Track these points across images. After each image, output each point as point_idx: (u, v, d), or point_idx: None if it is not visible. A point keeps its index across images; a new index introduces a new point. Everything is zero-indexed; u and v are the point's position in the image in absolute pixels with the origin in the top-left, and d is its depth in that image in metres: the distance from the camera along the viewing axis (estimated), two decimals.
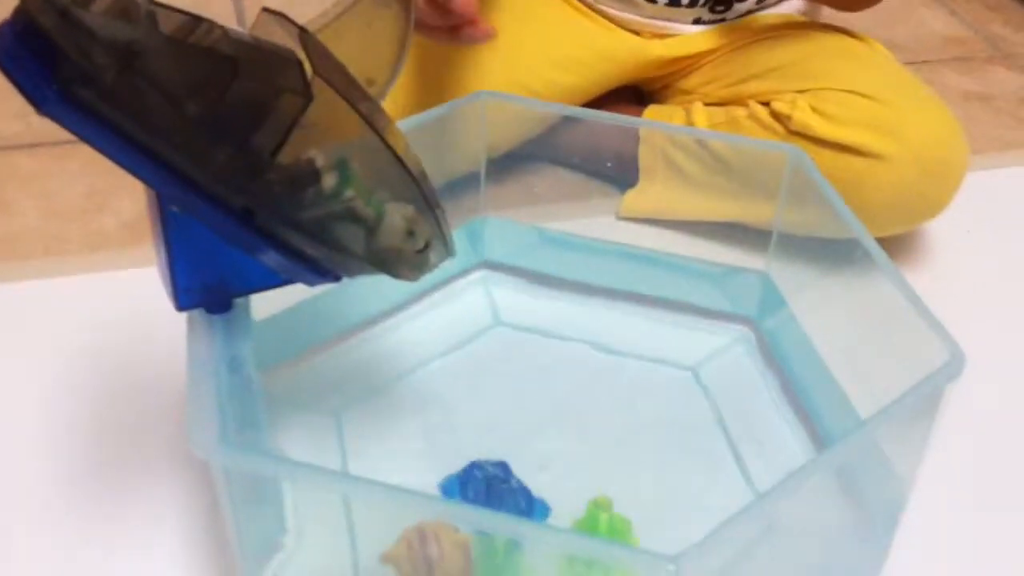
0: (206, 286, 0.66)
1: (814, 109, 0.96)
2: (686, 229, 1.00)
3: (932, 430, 0.69)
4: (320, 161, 0.63)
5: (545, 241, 1.00)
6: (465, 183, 0.96)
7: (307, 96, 0.60)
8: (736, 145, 0.95)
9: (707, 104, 1.05)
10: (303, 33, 0.63)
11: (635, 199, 1.03)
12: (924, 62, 1.40)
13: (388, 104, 0.77)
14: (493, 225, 0.99)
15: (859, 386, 0.80)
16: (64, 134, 0.56)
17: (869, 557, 0.74)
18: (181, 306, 0.66)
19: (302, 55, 0.61)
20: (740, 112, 1.01)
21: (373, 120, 0.64)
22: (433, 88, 1.00)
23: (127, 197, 1.07)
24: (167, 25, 0.58)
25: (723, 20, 1.08)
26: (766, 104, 1.00)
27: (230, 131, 0.59)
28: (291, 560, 0.71)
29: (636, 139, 1.00)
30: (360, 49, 0.70)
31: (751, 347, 0.91)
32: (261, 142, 0.60)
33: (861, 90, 0.96)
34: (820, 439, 0.83)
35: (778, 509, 0.60)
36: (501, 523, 0.61)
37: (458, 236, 0.95)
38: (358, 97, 0.64)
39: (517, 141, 1.00)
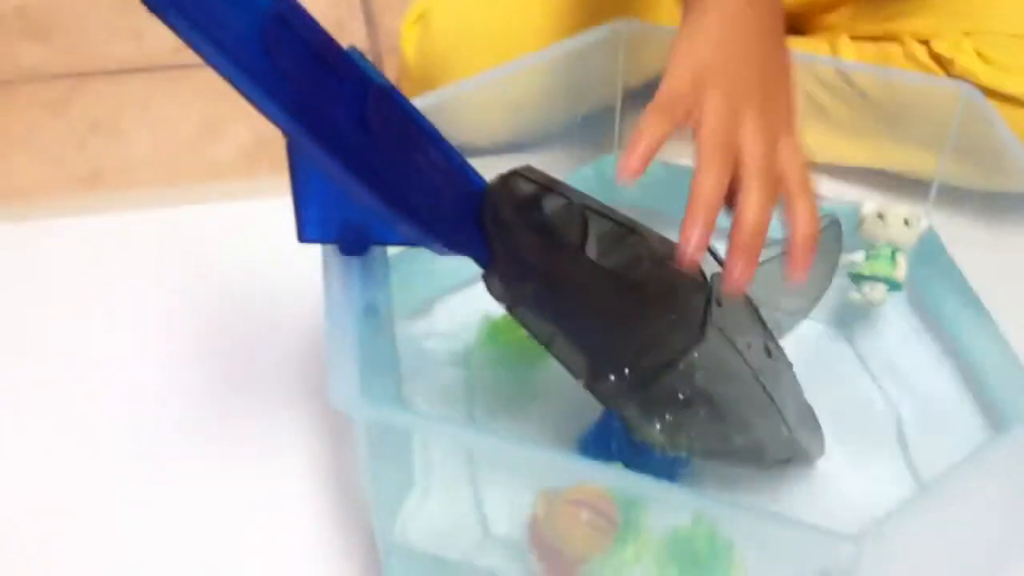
0: (337, 223, 0.62)
1: (980, 55, 0.88)
2: (833, 173, 0.94)
3: None
4: (686, 393, 0.65)
5: (673, 177, 0.94)
6: (602, 118, 0.91)
7: (699, 338, 0.62)
8: (893, 82, 0.88)
9: (855, 39, 0.98)
10: (715, 276, 0.62)
11: None
12: None
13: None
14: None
15: None
16: (177, 57, 0.53)
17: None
18: (305, 238, 0.62)
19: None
20: (894, 49, 0.94)
21: (749, 360, 0.66)
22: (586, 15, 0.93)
23: (242, 125, 1.04)
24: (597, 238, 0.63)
25: None
26: (924, 43, 0.92)
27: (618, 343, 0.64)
28: (419, 511, 0.69)
29: None
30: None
31: (901, 299, 0.85)
32: (643, 363, 0.64)
33: None
34: (981, 391, 0.78)
35: (952, 497, 0.55)
36: (645, 485, 0.57)
37: (587, 173, 0.92)
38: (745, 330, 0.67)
39: (656, 73, 0.94)
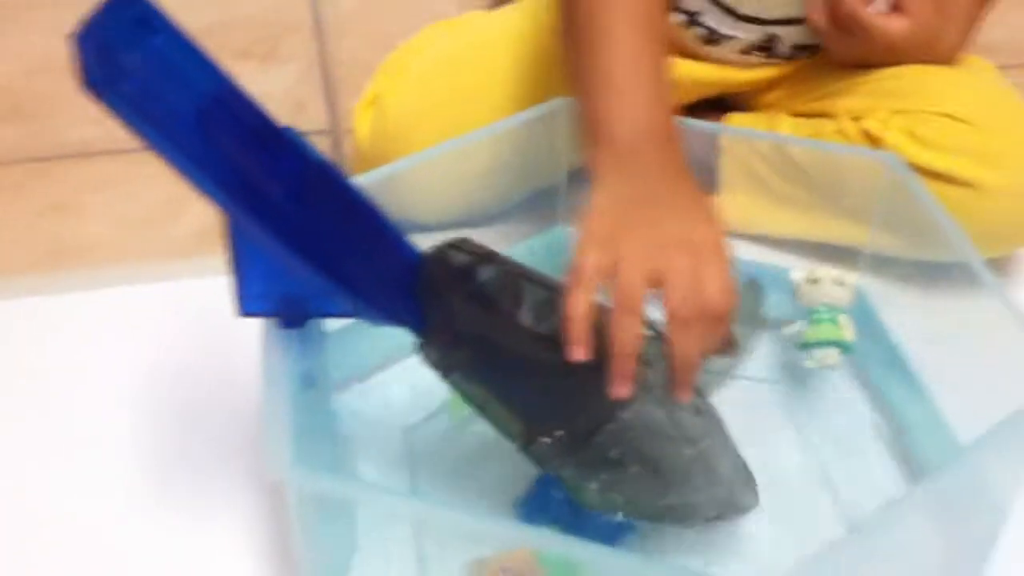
0: (276, 298, 0.65)
1: (908, 133, 0.92)
2: (770, 242, 0.97)
3: None
4: (619, 453, 0.68)
5: None
6: (547, 193, 0.94)
7: (630, 399, 0.65)
8: (824, 155, 0.92)
9: (792, 116, 1.02)
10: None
11: None
12: (1019, 66, 1.35)
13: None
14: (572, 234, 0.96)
15: (954, 402, 0.77)
16: (136, 140, 0.56)
17: None
18: (244, 312, 0.65)
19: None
20: (827, 126, 0.98)
21: (678, 419, 0.70)
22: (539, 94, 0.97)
23: (200, 205, 1.05)
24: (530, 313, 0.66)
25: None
26: (856, 120, 0.96)
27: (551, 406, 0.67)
28: None
29: (716, 148, 0.97)
30: None
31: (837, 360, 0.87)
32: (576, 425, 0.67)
33: (958, 114, 0.92)
34: (909, 455, 0.81)
35: (873, 541, 0.57)
36: (587, 551, 0.59)
37: (535, 245, 0.95)
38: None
39: None
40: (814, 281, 0.84)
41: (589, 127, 0.76)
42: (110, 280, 0.99)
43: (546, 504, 0.74)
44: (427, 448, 0.81)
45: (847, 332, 0.83)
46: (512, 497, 0.75)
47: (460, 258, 0.67)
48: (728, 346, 0.69)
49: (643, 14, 0.79)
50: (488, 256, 0.68)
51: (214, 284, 0.96)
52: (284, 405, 0.60)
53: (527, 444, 0.68)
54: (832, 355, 0.82)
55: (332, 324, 0.71)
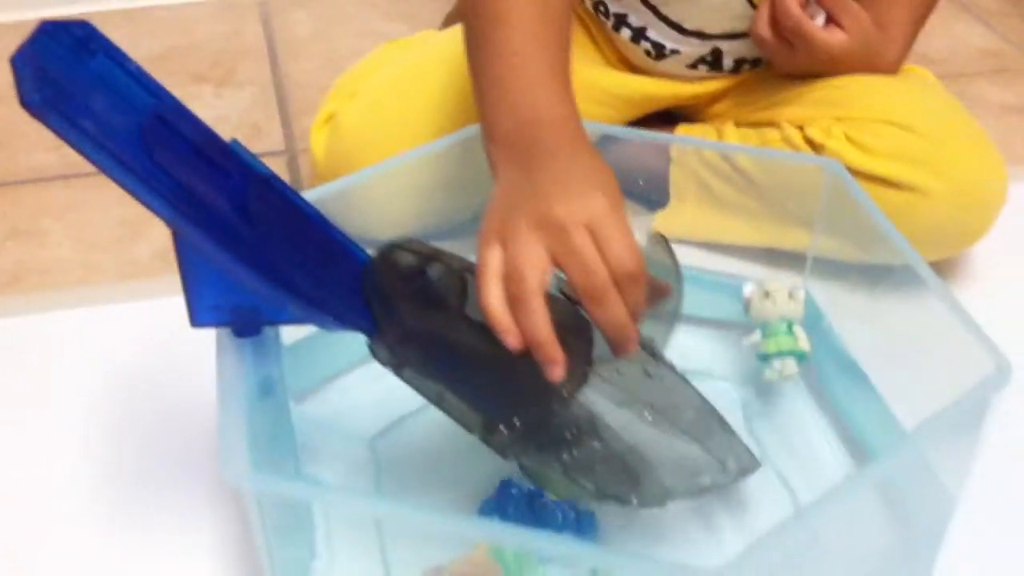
0: (228, 308, 0.65)
1: (849, 139, 0.95)
2: (720, 249, 0.99)
3: (978, 443, 0.68)
4: (575, 431, 0.70)
5: None
6: None
7: (581, 381, 0.67)
8: (769, 162, 0.94)
9: (739, 125, 1.04)
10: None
11: (666, 219, 1.02)
12: (961, 75, 1.38)
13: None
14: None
15: (903, 400, 0.79)
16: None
17: (914, 573, 0.73)
18: (196, 323, 0.65)
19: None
20: (773, 134, 1.00)
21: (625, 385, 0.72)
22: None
23: (159, 226, 1.06)
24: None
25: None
26: (799, 129, 0.98)
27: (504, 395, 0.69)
28: None
29: (667, 158, 0.99)
30: None
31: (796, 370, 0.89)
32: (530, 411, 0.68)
33: (899, 120, 0.94)
34: (861, 451, 0.82)
35: (821, 522, 0.59)
36: (544, 542, 0.60)
37: None
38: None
39: None
40: (767, 295, 0.85)
41: (484, 127, 0.77)
42: (72, 301, 1.00)
43: (508, 506, 0.75)
44: (391, 456, 0.81)
45: (802, 342, 0.84)
46: (478, 503, 0.76)
47: (406, 258, 0.68)
48: (658, 294, 0.70)
49: (535, 21, 0.79)
50: (433, 254, 0.69)
51: (176, 303, 0.98)
52: (239, 412, 0.60)
53: (487, 435, 0.69)
54: (791, 365, 0.84)
55: (291, 335, 0.72)
